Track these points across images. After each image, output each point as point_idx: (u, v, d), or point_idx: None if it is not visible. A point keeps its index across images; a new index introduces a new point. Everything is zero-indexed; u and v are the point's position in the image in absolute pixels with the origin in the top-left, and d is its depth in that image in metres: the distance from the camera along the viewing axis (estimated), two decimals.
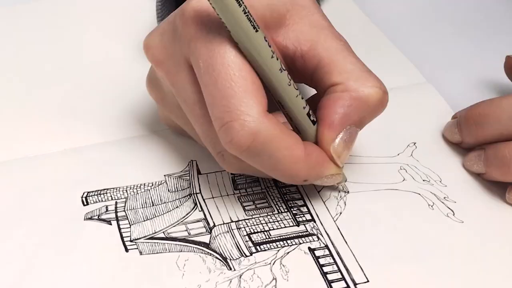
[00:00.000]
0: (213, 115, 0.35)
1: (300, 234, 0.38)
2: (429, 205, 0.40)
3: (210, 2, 0.33)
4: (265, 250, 0.37)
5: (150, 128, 0.45)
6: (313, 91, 0.40)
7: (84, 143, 0.44)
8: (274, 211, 0.40)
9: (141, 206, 0.40)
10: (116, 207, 0.40)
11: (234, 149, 0.35)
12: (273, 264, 0.37)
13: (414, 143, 0.44)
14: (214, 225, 0.39)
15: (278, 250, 0.37)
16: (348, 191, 0.41)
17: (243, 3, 0.34)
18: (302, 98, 0.37)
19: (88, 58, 0.52)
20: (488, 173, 0.41)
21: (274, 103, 0.37)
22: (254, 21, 0.34)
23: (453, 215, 0.40)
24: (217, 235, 0.38)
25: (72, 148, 0.44)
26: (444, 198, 0.41)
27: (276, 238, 0.38)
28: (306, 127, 0.37)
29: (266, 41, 0.35)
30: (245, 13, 0.34)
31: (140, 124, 0.45)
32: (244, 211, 0.40)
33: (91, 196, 0.40)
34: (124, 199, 0.40)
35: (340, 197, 0.40)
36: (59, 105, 0.47)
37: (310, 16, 0.39)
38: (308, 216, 0.39)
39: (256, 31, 0.34)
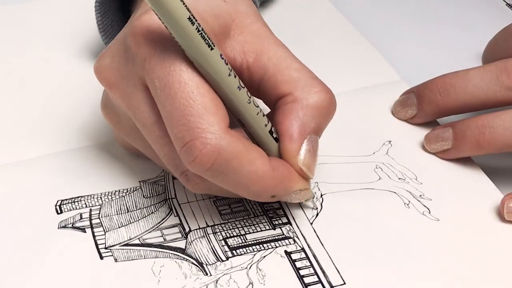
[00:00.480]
0: (173, 135, 0.34)
1: (276, 237, 0.38)
2: (405, 203, 0.40)
3: (163, 22, 0.32)
4: (241, 254, 0.37)
5: None
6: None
7: (57, 149, 0.43)
8: (250, 214, 0.39)
9: (116, 213, 0.40)
10: (90, 215, 0.39)
11: (197, 168, 0.34)
12: (250, 268, 0.37)
13: (390, 142, 0.44)
14: (190, 230, 0.38)
15: (254, 254, 0.37)
16: (317, 208, 0.40)
17: (196, 21, 0.32)
18: (264, 116, 0.36)
19: (61, 63, 0.51)
20: (457, 147, 0.42)
21: (235, 121, 0.36)
22: (209, 38, 0.33)
23: (429, 213, 0.40)
24: (193, 240, 0.38)
25: (46, 155, 0.43)
26: (420, 196, 0.41)
27: (252, 242, 0.38)
28: (269, 145, 0.37)
29: (222, 58, 0.34)
30: (198, 31, 0.32)
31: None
32: (220, 215, 0.39)
33: (65, 204, 0.40)
34: (99, 206, 0.40)
35: (316, 198, 0.40)
36: (32, 111, 0.47)
37: (253, 24, 0.38)
38: (284, 219, 0.39)
39: (212, 49, 0.33)
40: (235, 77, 0.35)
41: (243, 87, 0.35)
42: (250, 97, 0.35)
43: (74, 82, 0.49)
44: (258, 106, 0.36)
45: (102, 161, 0.43)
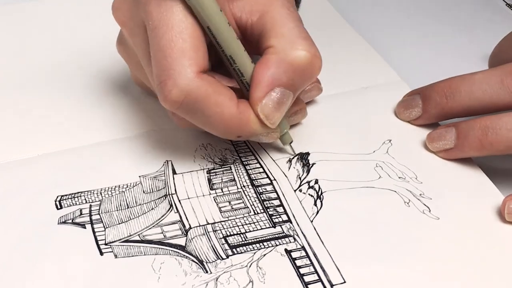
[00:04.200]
0: (154, 73, 0.37)
1: (277, 235, 0.38)
2: (405, 202, 0.40)
3: None
4: (241, 252, 0.37)
5: (125, 132, 0.45)
6: None
7: (58, 148, 0.43)
8: (250, 212, 0.39)
9: (115, 209, 0.39)
10: (90, 210, 0.39)
11: (168, 106, 0.37)
12: (250, 266, 0.37)
13: (390, 140, 0.44)
14: (190, 227, 0.38)
15: (254, 253, 0.37)
16: (295, 154, 0.42)
17: None
18: (249, 55, 0.39)
19: (61, 62, 0.51)
20: (459, 147, 0.42)
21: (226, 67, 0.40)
22: None
23: (429, 211, 0.40)
24: (193, 237, 0.38)
25: (46, 153, 0.43)
26: (420, 195, 0.41)
27: (253, 241, 0.38)
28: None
29: None
30: None
31: (115, 128, 0.45)
32: (220, 212, 0.39)
33: (65, 199, 0.40)
34: (99, 202, 0.40)
35: (317, 196, 0.40)
36: (32, 111, 0.47)
37: None
38: (284, 217, 0.39)
39: None
40: (223, 15, 0.38)
41: (230, 25, 0.38)
42: (238, 38, 0.39)
43: (74, 82, 0.49)
44: (245, 50, 0.39)
45: (102, 158, 0.43)
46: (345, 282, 0.36)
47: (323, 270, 0.36)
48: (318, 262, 0.37)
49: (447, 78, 0.43)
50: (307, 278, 0.36)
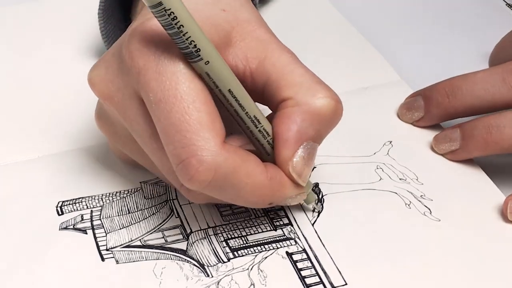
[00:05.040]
0: (169, 151, 0.33)
1: (278, 238, 0.38)
2: (406, 204, 0.40)
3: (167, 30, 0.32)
4: (242, 255, 0.37)
5: None
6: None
7: (58, 150, 0.43)
8: (251, 215, 0.39)
9: (117, 214, 0.40)
10: (91, 216, 0.39)
11: (195, 186, 0.33)
12: (251, 269, 0.37)
13: (390, 142, 0.44)
14: (191, 232, 0.38)
15: (255, 256, 0.37)
16: (320, 211, 0.40)
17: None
18: (262, 116, 0.36)
19: (62, 63, 0.51)
20: (465, 147, 0.42)
21: (232, 125, 0.36)
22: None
23: (430, 213, 0.40)
24: (194, 241, 0.38)
25: (46, 155, 0.43)
26: (421, 196, 0.41)
27: (254, 243, 0.38)
28: (266, 148, 0.36)
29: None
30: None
31: None
32: (221, 216, 0.39)
33: (66, 205, 0.40)
34: (100, 208, 0.40)
35: (318, 201, 0.40)
36: (33, 112, 0.47)
37: (256, 30, 0.37)
38: (285, 220, 0.39)
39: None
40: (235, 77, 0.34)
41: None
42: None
43: (75, 83, 0.49)
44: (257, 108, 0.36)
45: (103, 162, 0.43)
46: (346, 284, 0.36)
47: (325, 272, 0.36)
48: (320, 264, 0.37)
49: (449, 78, 0.43)
50: (308, 281, 0.36)
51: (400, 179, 0.42)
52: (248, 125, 0.35)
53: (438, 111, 0.43)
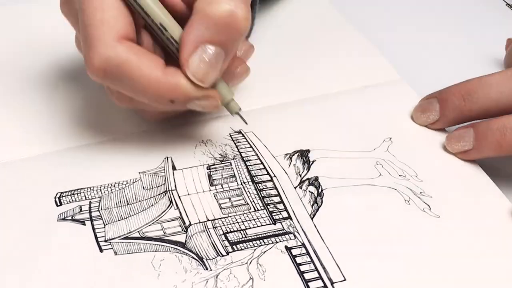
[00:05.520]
0: (82, 49, 0.38)
1: (277, 232, 0.38)
2: (405, 200, 0.40)
3: None
4: (241, 249, 0.37)
5: (124, 130, 0.44)
6: None
7: (58, 147, 0.43)
8: (251, 208, 0.39)
9: (115, 206, 0.39)
10: (90, 207, 0.39)
11: (93, 76, 0.38)
12: (250, 263, 0.36)
13: (390, 138, 0.44)
14: (190, 224, 0.38)
15: (254, 250, 0.37)
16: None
17: None
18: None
19: (61, 62, 0.51)
20: (478, 148, 0.41)
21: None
22: None
23: (429, 210, 0.40)
24: (193, 234, 0.38)
25: (46, 153, 0.43)
26: (420, 193, 0.41)
27: (253, 237, 0.38)
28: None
29: None
30: None
31: (115, 127, 0.45)
32: (220, 209, 0.39)
33: (65, 196, 0.40)
34: (98, 199, 0.40)
35: (317, 193, 0.40)
36: (33, 111, 0.46)
37: None
38: (284, 214, 0.39)
39: None
40: None
41: None
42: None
43: (74, 82, 0.49)
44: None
45: (101, 155, 0.42)
46: (345, 279, 0.36)
47: (324, 268, 0.36)
48: (319, 259, 0.37)
49: (464, 81, 0.43)
50: (307, 276, 0.36)
51: (399, 175, 0.42)
52: (157, 33, 0.39)
53: (454, 114, 0.43)
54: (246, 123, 0.41)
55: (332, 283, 0.36)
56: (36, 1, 0.57)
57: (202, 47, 0.38)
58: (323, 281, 0.36)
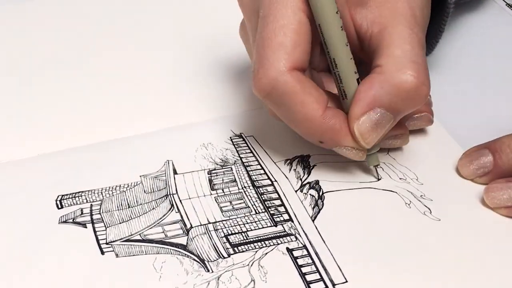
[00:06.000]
0: (252, 60, 0.39)
1: (278, 234, 0.38)
2: (406, 203, 0.40)
3: None
4: (243, 251, 0.37)
5: (125, 132, 0.45)
6: None
7: (57, 148, 0.43)
8: (252, 211, 0.39)
9: (116, 208, 0.39)
10: (91, 210, 0.39)
11: (256, 93, 0.38)
12: (251, 265, 0.36)
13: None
14: (191, 227, 0.38)
15: (256, 251, 0.37)
16: (379, 179, 0.41)
17: None
18: (355, 65, 0.39)
19: (61, 62, 0.51)
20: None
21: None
22: None
23: (430, 213, 0.40)
24: (194, 236, 0.38)
25: (46, 153, 0.43)
26: (421, 196, 0.41)
27: (254, 239, 0.38)
28: (352, 92, 0.39)
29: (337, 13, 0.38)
30: None
31: (116, 128, 0.45)
32: (221, 212, 0.39)
33: (66, 199, 0.40)
34: (99, 202, 0.40)
35: (318, 196, 0.40)
36: (32, 110, 0.47)
37: (396, 2, 0.39)
38: (285, 216, 0.39)
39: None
40: (339, 18, 0.38)
41: (343, 30, 0.38)
42: (347, 42, 0.38)
43: (74, 82, 0.49)
44: (352, 55, 0.39)
45: (103, 157, 0.42)
46: (346, 281, 0.36)
47: (325, 269, 0.36)
48: (320, 261, 0.37)
49: None
50: (308, 277, 0.36)
51: (400, 178, 0.42)
52: (330, 63, 0.39)
53: (509, 166, 0.41)
54: (378, 179, 0.41)
55: (333, 285, 0.36)
56: (36, 1, 0.57)
57: (376, 109, 0.38)
58: (324, 283, 0.36)
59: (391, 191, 0.41)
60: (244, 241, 0.38)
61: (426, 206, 0.40)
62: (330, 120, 0.38)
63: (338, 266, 0.36)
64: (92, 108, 0.47)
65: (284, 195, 0.41)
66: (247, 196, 0.40)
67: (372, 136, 0.38)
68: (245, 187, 0.41)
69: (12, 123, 0.45)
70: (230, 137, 0.44)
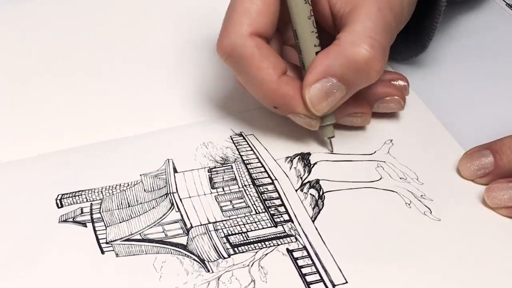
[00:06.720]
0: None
1: (278, 235, 0.38)
2: (406, 203, 0.40)
3: None
4: (243, 252, 0.37)
5: (125, 132, 0.45)
6: None
7: (57, 147, 0.43)
8: (252, 211, 0.39)
9: (116, 208, 0.39)
10: (91, 209, 0.39)
11: (218, 53, 0.40)
12: (252, 266, 0.36)
13: (391, 140, 0.44)
14: (191, 226, 0.38)
15: (256, 252, 0.37)
16: (332, 150, 0.43)
17: None
18: (317, 38, 0.40)
19: (61, 62, 0.51)
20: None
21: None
22: None
23: (430, 213, 0.40)
24: (195, 236, 0.38)
25: (46, 153, 0.43)
26: (421, 196, 0.41)
27: (254, 240, 0.38)
28: (307, 61, 0.41)
29: None
30: None
31: (115, 128, 0.45)
32: (222, 211, 0.39)
33: (66, 198, 0.40)
34: (100, 201, 0.40)
35: (318, 196, 0.40)
36: (32, 110, 0.46)
37: None
38: (286, 217, 0.39)
39: None
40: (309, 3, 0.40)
41: (310, 5, 0.40)
42: (311, 15, 0.40)
43: (74, 82, 0.49)
44: (316, 28, 0.40)
45: (102, 157, 0.42)
46: (347, 282, 0.36)
47: (325, 270, 0.36)
48: (320, 262, 0.37)
49: None
50: (309, 278, 0.36)
51: (400, 178, 0.42)
52: (294, 37, 0.41)
53: (510, 167, 0.40)
54: (331, 151, 0.43)
55: (333, 285, 0.36)
56: (36, 1, 0.57)
57: (328, 78, 0.39)
58: (324, 283, 0.36)
59: (392, 190, 0.41)
60: (244, 241, 0.38)
61: (426, 206, 0.40)
62: (285, 86, 0.40)
63: (338, 267, 0.36)
64: (92, 108, 0.46)
65: (284, 194, 0.40)
66: (247, 195, 0.40)
67: (322, 104, 0.40)
68: (245, 185, 0.41)
69: (12, 123, 0.45)
70: (231, 136, 0.44)
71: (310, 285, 0.36)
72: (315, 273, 0.36)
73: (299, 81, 0.41)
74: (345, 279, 0.36)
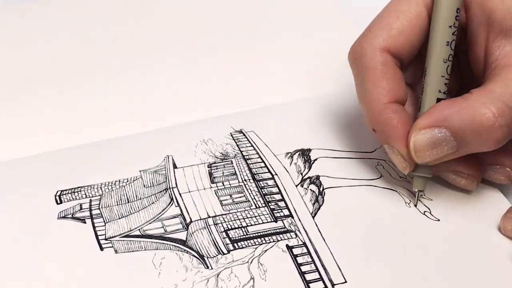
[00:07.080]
0: None
1: (278, 230, 0.38)
2: (406, 202, 0.40)
3: None
4: (242, 247, 0.37)
5: (125, 130, 0.45)
6: None
7: (57, 147, 0.43)
8: (252, 205, 0.39)
9: (116, 204, 0.39)
10: (90, 205, 0.39)
11: (348, 57, 0.40)
12: (251, 262, 0.36)
13: None
14: (191, 221, 0.38)
15: (255, 248, 0.37)
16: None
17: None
18: (446, 86, 0.38)
19: (61, 62, 0.51)
20: None
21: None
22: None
23: (430, 213, 0.40)
24: (194, 231, 0.38)
25: (46, 152, 0.43)
26: (421, 196, 0.41)
27: (254, 235, 0.38)
28: (427, 107, 0.38)
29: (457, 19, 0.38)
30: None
31: (115, 126, 0.45)
32: (221, 205, 0.39)
33: (65, 194, 0.40)
34: (99, 197, 0.40)
35: (318, 192, 0.40)
36: (32, 109, 0.46)
37: None
38: (286, 212, 0.39)
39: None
40: (452, 34, 0.38)
41: (451, 48, 0.38)
42: (448, 60, 0.38)
43: (74, 81, 0.49)
44: (449, 75, 0.38)
45: (102, 152, 0.42)
46: (346, 281, 0.36)
47: (325, 269, 0.36)
48: (320, 260, 0.37)
49: None
50: (308, 277, 0.36)
51: (400, 177, 0.42)
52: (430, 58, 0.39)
53: None
54: (415, 205, 0.40)
55: (333, 285, 0.36)
56: (36, 1, 0.56)
57: (442, 128, 0.36)
58: (324, 282, 0.36)
59: (392, 189, 0.41)
60: (244, 236, 0.38)
61: (426, 206, 0.40)
62: (390, 113, 0.37)
63: (338, 266, 0.36)
64: (93, 107, 0.46)
65: (284, 189, 0.40)
66: (247, 189, 0.40)
67: (426, 152, 0.37)
68: (245, 180, 0.41)
69: (12, 123, 0.45)
70: (231, 133, 0.44)
71: (309, 284, 0.36)
72: (315, 271, 0.36)
73: (408, 116, 0.38)
74: (344, 279, 0.36)
